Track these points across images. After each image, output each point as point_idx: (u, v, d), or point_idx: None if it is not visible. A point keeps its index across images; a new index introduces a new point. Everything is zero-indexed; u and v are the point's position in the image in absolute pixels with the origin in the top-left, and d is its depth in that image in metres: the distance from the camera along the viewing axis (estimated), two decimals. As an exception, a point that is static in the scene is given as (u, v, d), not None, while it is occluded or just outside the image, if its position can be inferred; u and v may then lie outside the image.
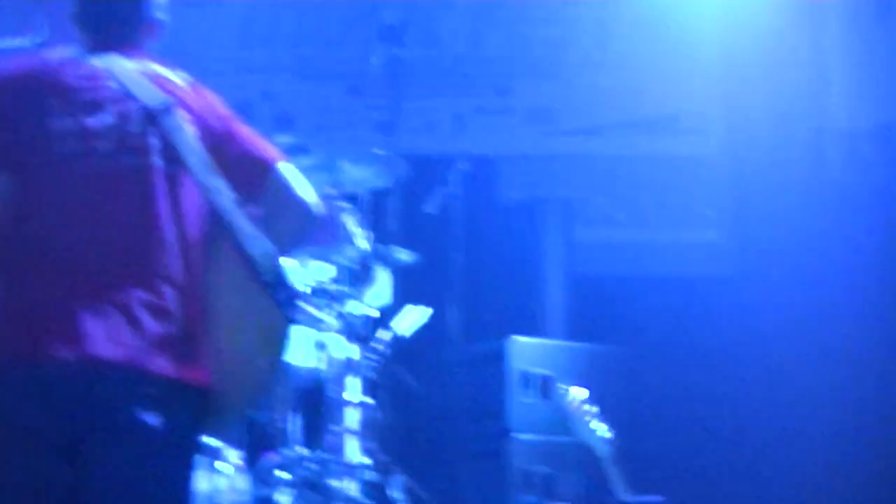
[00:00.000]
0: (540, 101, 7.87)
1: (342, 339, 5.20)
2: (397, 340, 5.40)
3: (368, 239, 5.46)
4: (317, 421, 5.34)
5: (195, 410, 2.69)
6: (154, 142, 2.77)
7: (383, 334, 5.49)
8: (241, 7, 8.34)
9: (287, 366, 5.08)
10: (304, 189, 2.92)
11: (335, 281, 5.44)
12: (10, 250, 2.72)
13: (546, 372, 6.00)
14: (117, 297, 2.64)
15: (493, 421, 5.99)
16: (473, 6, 8.10)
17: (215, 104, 2.94)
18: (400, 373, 5.30)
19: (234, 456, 4.83)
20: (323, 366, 5.29)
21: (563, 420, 5.36)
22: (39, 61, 2.92)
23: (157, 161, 2.76)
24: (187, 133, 2.78)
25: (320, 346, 5.28)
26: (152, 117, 2.78)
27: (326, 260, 5.53)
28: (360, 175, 5.44)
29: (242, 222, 2.77)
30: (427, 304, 5.88)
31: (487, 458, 6.01)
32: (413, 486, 5.34)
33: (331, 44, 8.19)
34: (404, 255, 5.40)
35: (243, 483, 4.64)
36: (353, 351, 5.25)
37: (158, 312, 2.66)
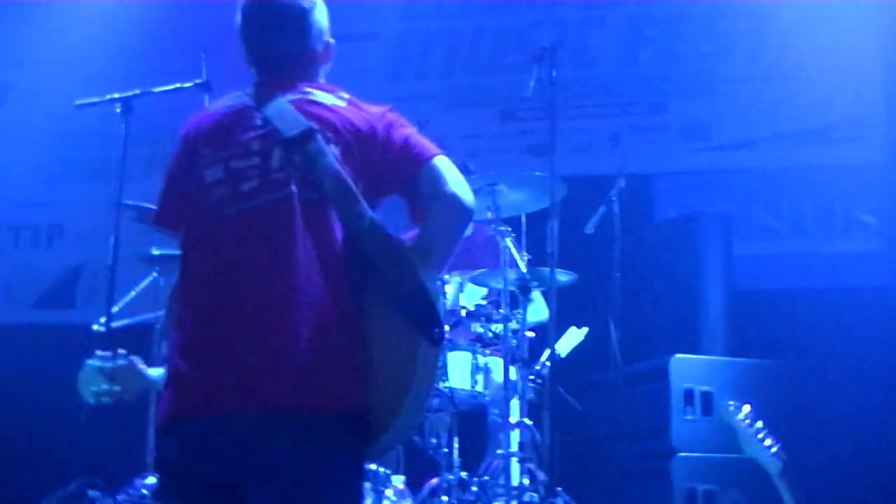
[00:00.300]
0: (695, 117, 7.84)
1: (502, 362, 5.26)
2: (557, 361, 5.44)
3: (527, 261, 5.52)
4: (478, 444, 5.42)
5: (356, 440, 2.71)
6: (294, 172, 2.81)
7: (543, 356, 5.53)
8: (393, 39, 8.53)
9: (448, 390, 5.18)
10: (458, 182, 2.89)
11: (495, 304, 5.52)
12: (180, 305, 2.83)
13: (709, 389, 5.96)
14: (275, 340, 2.68)
15: (656, 440, 5.98)
16: (625, 25, 8.12)
17: (374, 114, 2.96)
18: (561, 394, 5.33)
19: (398, 481, 4.95)
20: (483, 389, 5.37)
21: (727, 437, 5.32)
22: (202, 115, 3.04)
23: (296, 192, 2.79)
24: (329, 156, 2.81)
25: (480, 369, 5.36)
26: (292, 147, 2.83)
27: (486, 284, 5.62)
28: (517, 198, 5.50)
29: (380, 244, 2.77)
30: (587, 324, 5.91)
31: (651, 477, 5.99)
32: (575, 507, 5.36)
33: (482, 71, 8.31)
34: (563, 276, 5.43)
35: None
36: (513, 373, 5.30)
37: (314, 348, 2.68)
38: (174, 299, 2.90)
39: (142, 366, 3.07)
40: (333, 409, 2.67)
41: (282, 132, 2.86)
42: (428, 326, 2.68)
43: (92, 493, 5.93)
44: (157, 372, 3.03)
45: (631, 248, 6.35)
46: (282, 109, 2.91)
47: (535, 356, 5.56)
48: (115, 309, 5.32)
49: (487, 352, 5.46)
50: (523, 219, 5.76)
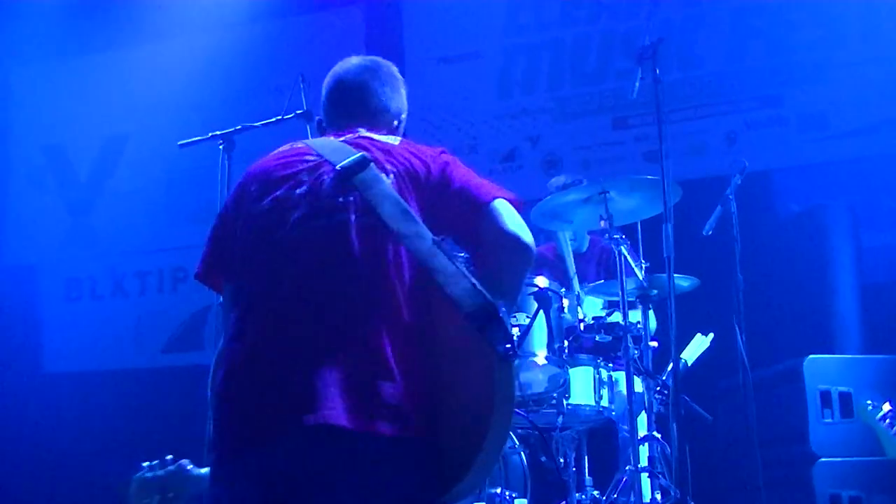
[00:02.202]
0: (811, 107, 7.60)
1: (626, 375, 5.11)
2: (684, 369, 5.27)
3: (645, 269, 5.37)
4: (607, 461, 5.28)
5: (427, 466, 2.65)
6: (349, 199, 2.83)
7: (669, 365, 5.37)
8: (498, 56, 8.47)
9: (571, 407, 5.06)
10: (517, 224, 2.87)
11: (614, 314, 5.38)
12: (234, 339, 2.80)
13: (847, 389, 5.73)
14: (337, 361, 2.64)
15: (794, 446, 5.78)
16: (730, 19, 7.93)
17: (429, 154, 2.98)
18: (689, 404, 5.16)
19: (523, 504, 4.84)
20: (609, 403, 5.23)
21: (870, 439, 5.10)
22: (255, 164, 3.08)
23: (352, 217, 2.80)
24: (384, 184, 2.83)
25: (604, 383, 5.23)
26: (347, 175, 2.85)
27: (605, 294, 5.49)
28: (630, 204, 5.36)
29: (443, 263, 2.72)
30: (712, 329, 5.73)
31: (791, 485, 5.79)
32: (713, 519, 5.18)
33: (590, 80, 8.20)
34: (683, 282, 5.27)
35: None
36: (639, 385, 5.15)
37: (378, 371, 2.64)
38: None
39: (190, 466, 3.04)
40: (405, 437, 2.62)
41: (333, 163, 2.88)
42: (498, 342, 2.61)
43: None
44: (206, 470, 2.96)
45: (753, 247, 6.15)
46: (334, 146, 2.97)
47: (660, 366, 5.40)
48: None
49: (610, 365, 5.32)
50: (639, 226, 5.61)
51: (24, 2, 9.69)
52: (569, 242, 5.97)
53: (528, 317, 5.05)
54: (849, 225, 7.04)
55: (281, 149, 3.07)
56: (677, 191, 5.19)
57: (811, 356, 5.91)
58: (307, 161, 2.94)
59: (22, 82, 10.17)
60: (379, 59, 3.34)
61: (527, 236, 2.87)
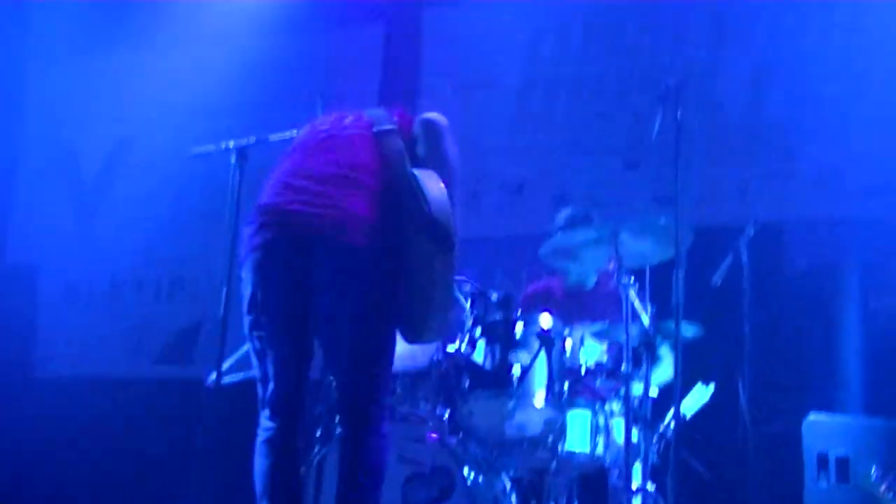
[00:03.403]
0: (828, 163, 7.51)
1: (623, 422, 5.01)
2: (683, 421, 5.18)
3: (652, 314, 5.29)
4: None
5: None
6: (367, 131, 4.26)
7: (668, 416, 5.28)
8: (514, 87, 8.42)
9: (565, 453, 4.98)
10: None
11: (616, 360, 5.30)
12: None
13: (845, 453, 5.63)
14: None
15: (788, 509, 5.67)
16: (752, 67, 7.87)
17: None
18: (686, 457, 5.08)
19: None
20: (603, 451, 5.13)
21: None
22: None
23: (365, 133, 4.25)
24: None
25: (600, 430, 5.14)
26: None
27: (609, 338, 5.40)
28: (642, 248, 5.28)
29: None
30: (714, 380, 5.65)
31: (785, 545, 5.69)
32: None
33: (605, 118, 8.14)
34: (689, 330, 5.18)
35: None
36: (636, 434, 5.06)
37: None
38: None
39: None
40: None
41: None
42: (440, 238, 3.93)
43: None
44: None
45: (761, 300, 6.07)
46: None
47: (659, 415, 5.31)
48: (226, 364, 5.24)
49: (609, 411, 5.23)
50: (647, 270, 5.53)
51: (44, 1, 9.68)
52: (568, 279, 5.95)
53: (529, 356, 4.97)
54: (858, 285, 6.95)
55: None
56: (689, 236, 5.12)
57: (811, 416, 5.80)
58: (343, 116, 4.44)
59: (39, 79, 10.12)
60: None
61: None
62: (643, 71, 8.08)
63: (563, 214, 6.26)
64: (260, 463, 4.07)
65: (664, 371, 5.52)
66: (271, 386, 4.07)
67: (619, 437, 5.10)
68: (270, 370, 4.08)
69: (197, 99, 8.94)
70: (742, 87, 7.86)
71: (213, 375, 5.04)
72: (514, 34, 8.37)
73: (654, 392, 5.24)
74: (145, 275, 9.44)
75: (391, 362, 4.10)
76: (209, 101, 8.89)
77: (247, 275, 4.10)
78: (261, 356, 4.12)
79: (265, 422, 4.10)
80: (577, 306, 6.02)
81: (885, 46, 7.49)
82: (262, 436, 4.09)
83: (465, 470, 4.89)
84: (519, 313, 5.21)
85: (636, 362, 5.14)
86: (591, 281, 6.24)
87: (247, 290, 4.11)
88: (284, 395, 4.07)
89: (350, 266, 3.94)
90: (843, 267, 7.07)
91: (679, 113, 4.80)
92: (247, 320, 4.14)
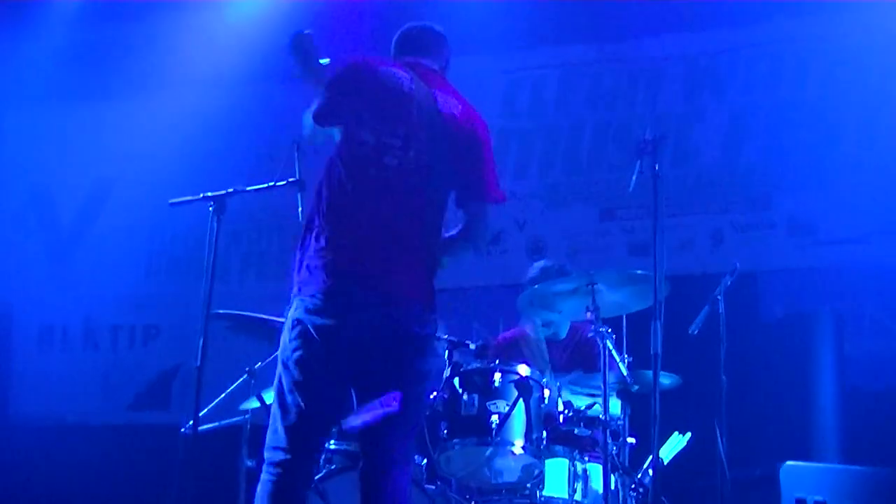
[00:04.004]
0: (801, 211, 7.61)
1: (603, 471, 5.02)
2: (661, 468, 5.18)
3: (628, 363, 5.31)
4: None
5: None
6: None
7: (646, 463, 5.29)
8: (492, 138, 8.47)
9: (545, 500, 4.98)
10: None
11: (595, 407, 5.31)
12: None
13: (822, 499, 5.65)
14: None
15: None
16: (727, 117, 7.96)
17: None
18: (665, 503, 5.07)
19: None
20: (581, 498, 5.14)
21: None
22: None
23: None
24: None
25: (578, 476, 5.14)
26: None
27: (587, 386, 5.42)
28: (618, 298, 5.32)
29: None
30: (691, 428, 5.66)
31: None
32: None
33: (582, 168, 8.21)
34: (666, 379, 5.20)
35: None
36: (614, 481, 5.06)
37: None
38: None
39: None
40: None
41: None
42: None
43: None
44: None
45: (737, 348, 6.11)
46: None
47: (636, 462, 5.31)
48: (203, 412, 5.23)
49: (586, 458, 5.23)
50: (624, 319, 5.56)
51: (20, 46, 9.67)
52: (540, 328, 5.95)
53: (507, 405, 4.98)
54: (833, 332, 7.01)
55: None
56: (666, 287, 5.15)
57: (789, 462, 5.84)
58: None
59: (14, 124, 10.11)
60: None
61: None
62: (619, 122, 8.17)
63: (537, 266, 6.28)
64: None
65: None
66: (303, 417, 3.80)
67: (597, 484, 5.11)
68: (310, 403, 3.80)
69: (174, 145, 8.96)
70: (717, 137, 7.95)
71: (190, 423, 5.03)
72: (489, 84, 8.43)
73: (632, 440, 5.25)
74: (120, 320, 9.42)
75: None
76: (187, 148, 8.91)
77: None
78: (301, 387, 3.82)
79: (277, 455, 3.85)
80: (552, 357, 6.03)
81: (858, 97, 7.61)
82: (273, 476, 3.83)
83: (444, 517, 4.89)
84: (497, 362, 5.22)
85: (615, 410, 5.15)
86: (564, 330, 6.26)
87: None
88: (315, 430, 3.89)
89: None
90: (819, 314, 7.12)
91: (657, 165, 4.84)
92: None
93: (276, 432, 3.84)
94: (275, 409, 3.87)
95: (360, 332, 3.77)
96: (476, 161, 4.02)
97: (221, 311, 5.31)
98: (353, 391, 3.85)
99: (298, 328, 3.83)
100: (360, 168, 3.88)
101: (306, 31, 4.12)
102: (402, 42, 4.24)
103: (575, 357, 6.04)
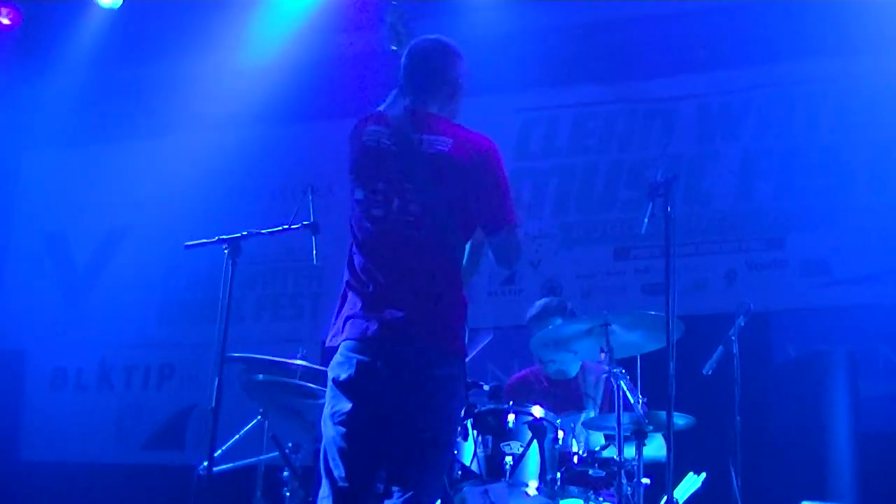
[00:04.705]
0: (813, 251, 7.61)
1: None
2: (676, 509, 5.18)
3: (643, 404, 5.31)
4: None
5: None
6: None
7: (661, 502, 5.28)
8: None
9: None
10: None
11: (609, 448, 5.31)
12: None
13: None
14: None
15: None
16: (739, 158, 7.98)
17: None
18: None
19: None
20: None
21: None
22: None
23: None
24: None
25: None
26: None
27: (600, 427, 5.42)
28: (632, 338, 5.32)
29: None
30: (706, 469, 5.65)
31: None
32: None
33: (595, 208, 8.22)
34: (680, 420, 5.20)
35: None
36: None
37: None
38: None
39: None
40: None
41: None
42: None
43: None
44: None
45: (751, 388, 6.10)
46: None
47: (651, 503, 5.30)
48: (218, 452, 5.26)
49: (601, 499, 5.22)
50: (638, 359, 5.56)
51: (35, 90, 9.77)
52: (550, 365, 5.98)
53: (521, 446, 4.99)
54: (847, 373, 6.98)
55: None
56: (680, 327, 5.15)
57: (803, 503, 5.80)
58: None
59: (31, 168, 10.21)
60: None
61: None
62: (632, 162, 8.20)
63: (538, 304, 6.29)
64: None
65: (658, 451, 5.50)
66: (340, 470, 3.88)
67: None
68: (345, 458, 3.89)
69: (190, 187, 9.01)
70: (730, 177, 7.97)
71: (205, 464, 5.05)
72: (504, 124, 8.46)
73: (645, 480, 5.24)
74: (135, 361, 9.44)
75: None
76: (202, 190, 8.97)
77: None
78: (332, 442, 3.93)
79: None
80: (562, 395, 6.03)
81: (870, 138, 7.63)
82: None
83: (458, 560, 4.87)
84: (510, 403, 5.23)
85: (629, 450, 5.15)
86: (574, 370, 6.26)
87: None
88: (355, 482, 3.89)
89: None
90: (832, 354, 7.10)
91: (669, 207, 4.86)
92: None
93: (321, 486, 3.94)
94: (320, 465, 3.96)
95: (374, 383, 3.85)
96: (481, 189, 4.04)
97: (236, 355, 5.35)
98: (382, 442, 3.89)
99: (329, 384, 3.98)
100: (358, 223, 4.06)
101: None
102: (405, 77, 4.24)
103: (592, 398, 6.04)
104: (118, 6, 9.20)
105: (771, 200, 7.82)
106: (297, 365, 5.68)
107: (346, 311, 3.98)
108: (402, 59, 4.26)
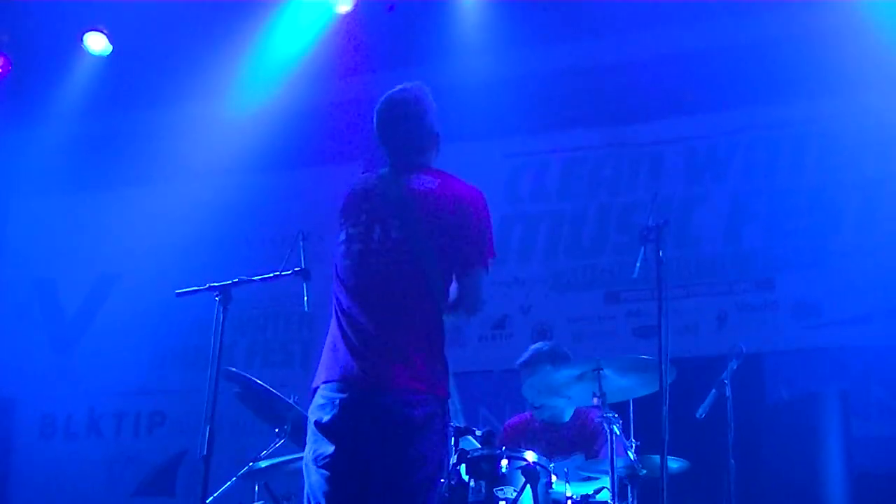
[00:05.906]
0: (804, 293, 7.63)
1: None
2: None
3: (636, 448, 5.30)
4: None
5: None
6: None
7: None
8: (495, 223, 8.52)
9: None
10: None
11: (603, 493, 5.29)
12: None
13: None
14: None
15: None
16: (728, 201, 8.02)
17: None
18: None
19: None
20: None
21: None
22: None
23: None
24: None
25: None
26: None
27: (595, 471, 5.41)
28: (625, 383, 5.32)
29: None
30: (700, 513, 5.64)
31: None
32: None
33: (586, 253, 8.25)
34: (674, 464, 5.19)
35: None
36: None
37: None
38: None
39: None
40: None
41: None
42: None
43: None
44: None
45: (743, 430, 6.10)
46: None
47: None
48: (209, 500, 5.22)
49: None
50: (631, 403, 5.56)
51: (24, 138, 9.78)
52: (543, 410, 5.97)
53: (515, 490, 4.97)
54: (839, 413, 6.98)
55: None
56: (672, 371, 5.16)
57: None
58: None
59: (20, 215, 10.20)
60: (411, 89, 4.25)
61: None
62: (621, 206, 8.23)
63: (530, 349, 6.28)
64: None
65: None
66: None
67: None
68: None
69: (180, 234, 9.02)
70: (719, 220, 8.00)
71: (197, 512, 5.02)
72: (493, 169, 8.50)
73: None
74: (125, 408, 9.41)
75: None
76: (192, 237, 8.97)
77: None
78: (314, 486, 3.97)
79: None
80: (555, 439, 6.02)
81: (856, 179, 7.68)
82: None
83: None
84: (503, 448, 5.21)
85: (622, 495, 5.14)
86: (568, 415, 6.25)
87: None
88: None
89: None
90: (824, 396, 7.10)
91: (661, 251, 4.88)
92: None
93: None
94: None
95: (354, 425, 3.87)
96: (459, 228, 4.04)
97: (233, 370, 5.36)
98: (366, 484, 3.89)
99: (310, 426, 4.00)
100: (341, 262, 4.09)
101: None
102: (380, 138, 4.25)
103: (577, 441, 6.03)
104: (108, 54, 9.22)
105: (760, 242, 7.86)
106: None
107: (326, 353, 4.02)
108: (374, 117, 4.24)
